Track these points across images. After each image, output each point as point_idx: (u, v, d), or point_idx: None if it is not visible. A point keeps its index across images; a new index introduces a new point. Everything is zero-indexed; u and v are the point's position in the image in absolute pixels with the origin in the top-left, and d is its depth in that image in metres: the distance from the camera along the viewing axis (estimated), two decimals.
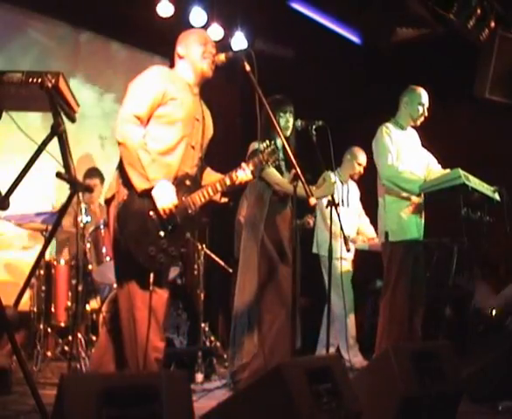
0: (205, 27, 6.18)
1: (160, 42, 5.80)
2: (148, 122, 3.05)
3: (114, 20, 5.85)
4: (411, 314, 4.35)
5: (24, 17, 5.69)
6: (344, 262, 5.27)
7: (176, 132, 3.10)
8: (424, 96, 4.54)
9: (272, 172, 4.12)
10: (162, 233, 2.97)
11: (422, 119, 4.58)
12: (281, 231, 4.14)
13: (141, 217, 2.96)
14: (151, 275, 2.95)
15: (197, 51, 3.22)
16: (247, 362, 4.06)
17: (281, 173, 4.17)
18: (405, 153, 4.50)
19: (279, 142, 4.21)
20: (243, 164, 3.25)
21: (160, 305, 3.04)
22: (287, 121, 4.14)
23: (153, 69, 3.12)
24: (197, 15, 6.09)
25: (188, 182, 3.13)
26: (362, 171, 5.52)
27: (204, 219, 3.21)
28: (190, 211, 3.08)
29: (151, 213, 2.97)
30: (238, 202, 5.96)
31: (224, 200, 3.38)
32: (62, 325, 4.82)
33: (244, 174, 3.23)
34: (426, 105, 4.55)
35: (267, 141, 3.37)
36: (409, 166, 4.47)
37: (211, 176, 3.36)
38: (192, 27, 6.14)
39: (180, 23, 6.07)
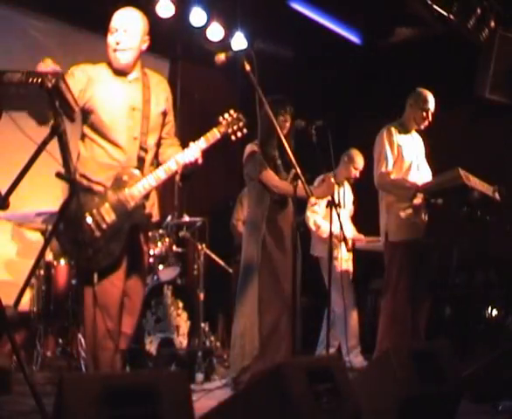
0: (205, 27, 6.20)
1: (160, 42, 5.80)
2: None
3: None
4: (414, 314, 4.35)
5: (23, 17, 5.69)
6: (344, 261, 5.28)
7: (112, 133, 3.08)
8: (429, 101, 4.52)
9: (269, 175, 4.09)
10: (98, 233, 2.97)
11: (426, 123, 4.57)
12: (283, 231, 4.13)
13: (77, 221, 2.95)
14: (95, 275, 2.98)
15: (107, 40, 3.13)
16: (249, 365, 4.05)
17: (279, 173, 4.16)
18: (407, 156, 4.49)
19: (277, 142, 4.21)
20: (190, 143, 3.14)
21: (110, 300, 3.05)
22: (285, 121, 4.13)
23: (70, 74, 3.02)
24: (197, 15, 6.09)
25: (125, 177, 3.06)
26: (358, 175, 5.46)
27: (148, 211, 3.16)
28: (128, 206, 3.04)
29: (86, 215, 2.97)
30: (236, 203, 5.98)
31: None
32: (62, 325, 4.81)
33: (190, 153, 3.10)
34: (431, 110, 4.53)
35: (231, 110, 3.23)
36: (408, 170, 4.48)
37: (170, 152, 3.24)
38: (193, 27, 6.17)
39: (180, 23, 6.08)
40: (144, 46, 3.18)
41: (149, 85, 3.20)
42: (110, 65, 3.14)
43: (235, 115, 3.23)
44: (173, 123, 3.36)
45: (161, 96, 3.24)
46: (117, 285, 3.08)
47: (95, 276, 3.00)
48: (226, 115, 3.22)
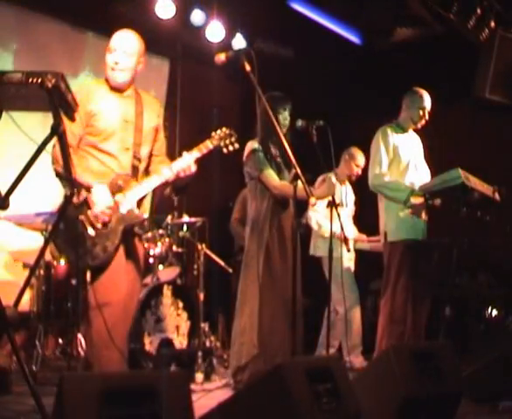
0: (205, 27, 6.20)
1: (160, 42, 5.81)
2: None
3: (114, 20, 5.84)
4: (414, 314, 4.35)
5: (25, 17, 5.69)
6: (347, 261, 5.29)
7: (105, 142, 3.20)
8: (425, 99, 4.52)
9: (269, 175, 4.07)
10: (92, 233, 3.10)
11: (423, 122, 4.58)
12: (285, 230, 4.12)
13: (72, 220, 3.07)
14: (92, 274, 3.11)
15: (106, 58, 3.29)
16: (246, 363, 4.05)
17: (281, 171, 4.15)
18: (404, 156, 4.49)
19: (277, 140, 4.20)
20: (184, 153, 3.28)
21: (112, 299, 3.11)
22: (285, 118, 4.13)
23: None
24: (197, 15, 6.10)
25: (120, 182, 3.19)
26: (359, 172, 5.47)
27: (139, 213, 3.24)
28: (122, 209, 3.15)
29: (81, 216, 3.09)
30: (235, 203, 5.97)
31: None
32: (62, 325, 4.81)
33: (184, 162, 3.25)
34: (428, 108, 4.53)
35: (224, 128, 3.40)
36: (405, 170, 4.47)
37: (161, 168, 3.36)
38: (193, 27, 6.17)
39: (180, 23, 6.08)
40: (139, 67, 3.33)
41: (142, 102, 3.35)
42: (107, 81, 3.30)
43: (227, 131, 3.40)
44: (164, 141, 3.50)
45: (153, 113, 3.40)
46: (118, 285, 3.16)
47: (95, 275, 3.10)
48: (219, 131, 3.39)
